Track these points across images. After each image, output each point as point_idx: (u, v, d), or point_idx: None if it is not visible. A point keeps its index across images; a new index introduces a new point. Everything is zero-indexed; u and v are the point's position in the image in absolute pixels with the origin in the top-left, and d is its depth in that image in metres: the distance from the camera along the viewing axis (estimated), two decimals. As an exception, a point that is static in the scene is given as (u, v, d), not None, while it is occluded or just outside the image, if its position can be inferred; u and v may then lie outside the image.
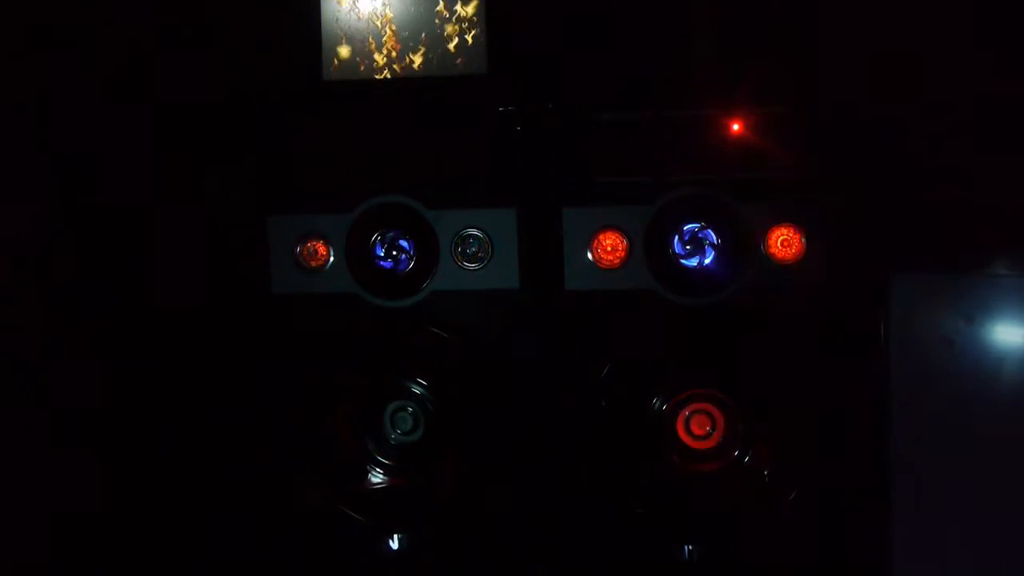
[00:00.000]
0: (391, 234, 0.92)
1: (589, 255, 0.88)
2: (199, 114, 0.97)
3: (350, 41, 0.91)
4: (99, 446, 0.96)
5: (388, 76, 0.91)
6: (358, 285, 0.91)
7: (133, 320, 0.98)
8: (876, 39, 0.85)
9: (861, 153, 0.84)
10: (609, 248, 0.87)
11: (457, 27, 0.90)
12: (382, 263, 0.93)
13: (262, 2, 0.93)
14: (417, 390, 0.93)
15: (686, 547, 0.90)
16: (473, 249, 0.88)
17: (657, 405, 0.90)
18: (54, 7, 0.92)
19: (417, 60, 0.90)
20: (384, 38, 0.90)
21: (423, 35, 0.90)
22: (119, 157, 0.98)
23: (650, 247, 0.87)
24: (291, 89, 0.92)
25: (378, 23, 0.90)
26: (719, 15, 0.88)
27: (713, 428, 0.89)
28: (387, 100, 0.91)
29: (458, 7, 0.89)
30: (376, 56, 0.91)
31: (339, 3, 0.91)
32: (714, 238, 0.88)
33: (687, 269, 0.88)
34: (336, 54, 0.91)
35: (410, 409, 0.93)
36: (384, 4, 0.90)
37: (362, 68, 0.91)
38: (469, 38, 0.89)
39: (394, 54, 0.90)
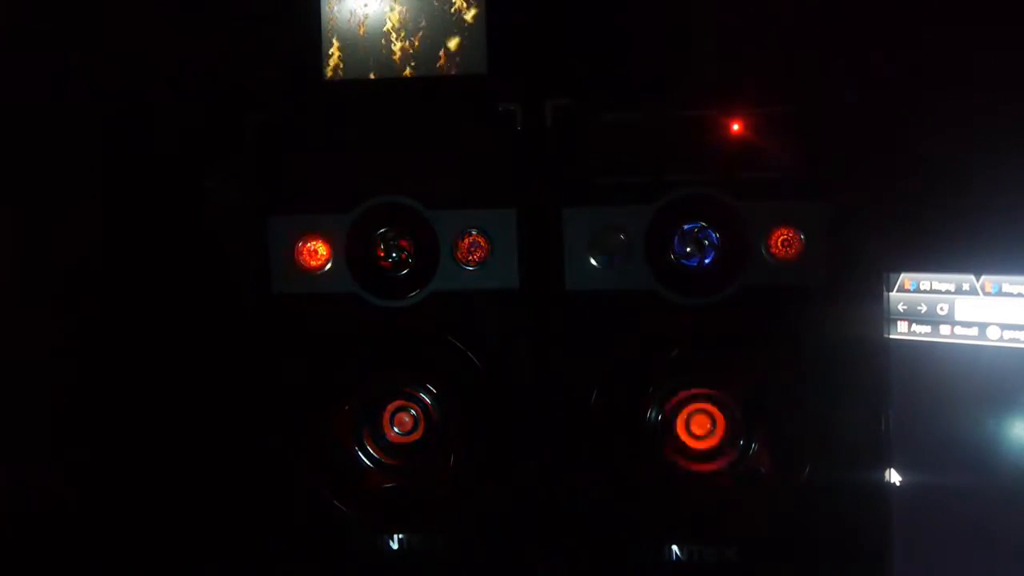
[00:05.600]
0: (391, 234, 0.92)
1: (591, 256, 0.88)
2: (199, 114, 0.97)
3: (350, 40, 0.91)
4: (98, 446, 0.96)
5: (388, 76, 0.91)
6: (358, 285, 0.91)
7: (133, 320, 0.98)
8: (876, 39, 0.85)
9: (861, 153, 0.84)
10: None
11: (457, 27, 0.90)
12: (382, 263, 0.93)
13: (262, 1, 0.93)
14: (417, 390, 0.93)
15: (686, 547, 0.90)
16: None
17: (657, 405, 0.90)
18: (53, 6, 0.92)
19: (417, 60, 0.90)
20: (384, 38, 0.90)
21: (423, 35, 0.90)
22: (119, 158, 0.98)
23: (650, 247, 0.87)
24: (291, 89, 0.92)
25: (378, 22, 0.90)
26: (719, 14, 0.88)
27: (713, 428, 0.89)
28: (387, 100, 0.91)
29: (458, 6, 0.89)
30: (376, 56, 0.91)
31: (339, 2, 0.91)
32: (714, 238, 0.88)
33: (687, 269, 0.88)
34: (336, 54, 0.91)
35: (410, 409, 0.93)
36: (384, 3, 0.90)
37: (362, 68, 0.91)
38: (469, 38, 0.89)
39: (394, 54, 0.90)
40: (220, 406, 0.97)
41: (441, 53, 0.90)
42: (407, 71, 0.90)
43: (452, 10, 0.90)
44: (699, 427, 0.89)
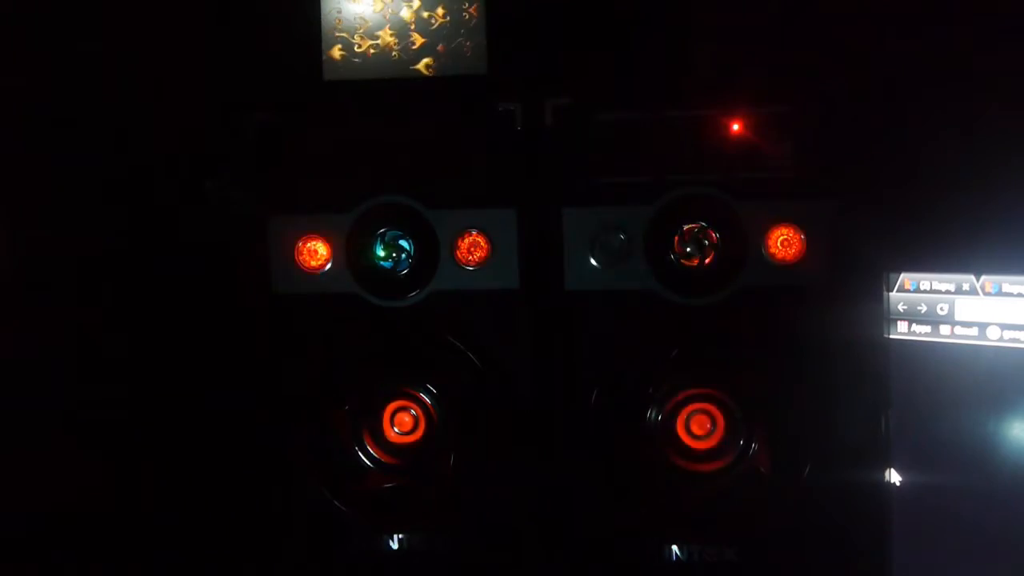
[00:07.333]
0: (391, 234, 0.92)
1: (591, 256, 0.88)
2: (199, 114, 0.97)
3: (350, 41, 0.91)
4: (97, 446, 0.96)
5: (388, 76, 0.91)
6: (358, 285, 0.91)
7: (133, 321, 0.98)
8: (877, 39, 0.85)
9: (861, 153, 0.84)
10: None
11: (457, 27, 0.90)
12: (382, 263, 0.93)
13: (262, 2, 0.93)
14: (417, 390, 0.93)
15: (686, 547, 0.90)
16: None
17: (657, 405, 0.90)
18: (53, 13, 0.92)
19: (417, 60, 0.90)
20: (384, 38, 0.90)
21: (423, 35, 0.90)
22: (119, 158, 0.97)
23: (650, 247, 0.87)
24: (291, 89, 0.92)
25: (378, 23, 0.90)
26: (718, 14, 0.88)
27: (713, 428, 0.89)
28: (387, 100, 0.91)
29: (458, 7, 0.89)
30: (376, 56, 0.91)
31: (339, 3, 0.91)
32: (714, 238, 0.88)
33: (687, 269, 0.88)
34: (335, 54, 0.91)
35: (410, 409, 0.93)
36: (384, 4, 0.90)
37: (362, 68, 0.91)
38: (469, 38, 0.89)
39: (394, 54, 0.91)
40: (220, 406, 0.97)
41: (441, 53, 0.90)
42: (407, 71, 0.90)
43: (452, 10, 0.89)
44: (699, 427, 0.89)
